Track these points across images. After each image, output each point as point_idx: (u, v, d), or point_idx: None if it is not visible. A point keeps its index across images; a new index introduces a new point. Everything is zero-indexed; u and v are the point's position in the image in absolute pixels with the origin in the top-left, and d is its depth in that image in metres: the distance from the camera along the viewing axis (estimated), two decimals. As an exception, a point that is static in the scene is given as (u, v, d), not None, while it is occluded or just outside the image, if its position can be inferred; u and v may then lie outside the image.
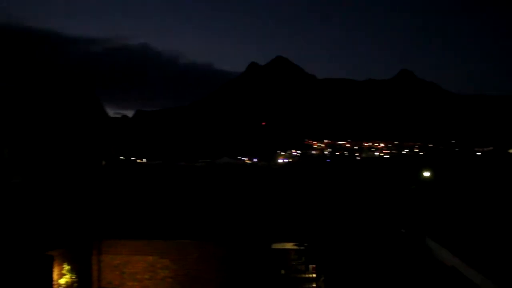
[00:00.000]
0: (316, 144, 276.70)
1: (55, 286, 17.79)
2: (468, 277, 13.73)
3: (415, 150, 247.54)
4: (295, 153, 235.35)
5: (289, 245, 19.75)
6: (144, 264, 20.09)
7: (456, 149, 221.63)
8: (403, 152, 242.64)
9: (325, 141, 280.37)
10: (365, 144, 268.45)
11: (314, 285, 20.30)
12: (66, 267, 18.41)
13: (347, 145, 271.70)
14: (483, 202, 26.94)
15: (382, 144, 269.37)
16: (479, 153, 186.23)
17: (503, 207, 24.16)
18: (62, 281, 18.14)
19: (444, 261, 15.70)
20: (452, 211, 24.13)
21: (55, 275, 17.85)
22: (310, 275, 21.02)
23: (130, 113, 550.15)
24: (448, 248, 15.72)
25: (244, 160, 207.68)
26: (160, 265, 20.04)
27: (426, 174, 42.14)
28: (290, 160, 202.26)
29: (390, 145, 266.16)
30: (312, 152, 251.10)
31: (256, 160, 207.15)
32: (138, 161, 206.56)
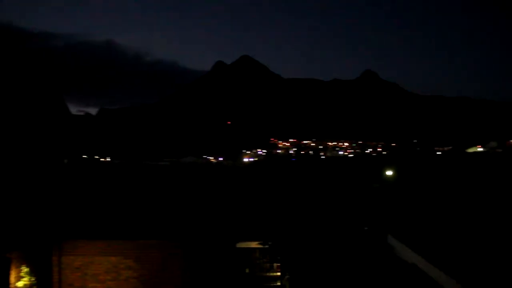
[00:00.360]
0: (281, 144, 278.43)
1: (12, 289, 17.28)
2: (429, 274, 14.09)
3: (378, 149, 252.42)
4: (261, 152, 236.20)
5: (254, 244, 19.76)
6: (107, 265, 19.72)
7: (418, 149, 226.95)
8: (366, 151, 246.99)
9: (290, 140, 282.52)
10: (330, 144, 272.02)
11: (279, 284, 20.39)
12: (25, 269, 17.88)
13: (312, 144, 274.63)
14: (443, 200, 27.68)
15: (346, 144, 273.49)
16: (439, 153, 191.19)
17: (463, 205, 24.89)
18: (20, 284, 17.61)
19: (405, 258, 16.04)
20: (413, 209, 24.69)
21: (12, 278, 17.31)
22: (275, 274, 21.11)
23: (93, 111, 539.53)
24: (409, 246, 16.07)
25: (209, 159, 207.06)
26: (123, 266, 19.71)
27: (389, 173, 43.04)
28: (256, 159, 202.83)
29: (354, 145, 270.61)
30: (278, 151, 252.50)
31: (221, 159, 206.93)
32: (101, 159, 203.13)
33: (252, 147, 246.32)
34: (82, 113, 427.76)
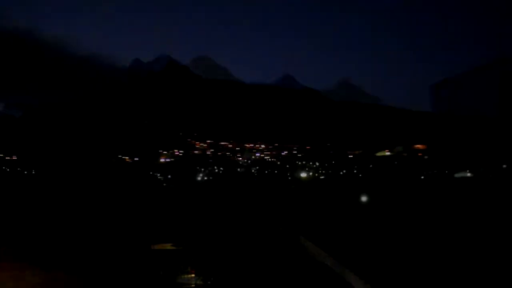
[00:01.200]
0: (198, 144, 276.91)
1: None
2: (337, 272, 14.68)
3: (294, 152, 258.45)
4: (178, 153, 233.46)
5: (168, 246, 19.55)
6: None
7: (331, 152, 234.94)
8: (282, 153, 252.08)
9: (208, 141, 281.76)
10: (247, 145, 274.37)
11: (193, 285, 20.27)
12: None
13: (230, 145, 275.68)
14: (354, 202, 28.92)
15: (263, 146, 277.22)
16: (351, 156, 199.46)
17: (371, 206, 26.16)
18: None
19: (315, 257, 16.59)
20: (325, 210, 25.57)
21: None
22: (189, 275, 20.96)
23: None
24: (320, 246, 16.65)
25: (124, 159, 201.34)
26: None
27: (303, 175, 44.39)
28: (172, 159, 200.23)
29: (271, 147, 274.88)
30: (195, 152, 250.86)
31: (137, 159, 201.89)
32: (7, 157, 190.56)
33: (169, 147, 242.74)
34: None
